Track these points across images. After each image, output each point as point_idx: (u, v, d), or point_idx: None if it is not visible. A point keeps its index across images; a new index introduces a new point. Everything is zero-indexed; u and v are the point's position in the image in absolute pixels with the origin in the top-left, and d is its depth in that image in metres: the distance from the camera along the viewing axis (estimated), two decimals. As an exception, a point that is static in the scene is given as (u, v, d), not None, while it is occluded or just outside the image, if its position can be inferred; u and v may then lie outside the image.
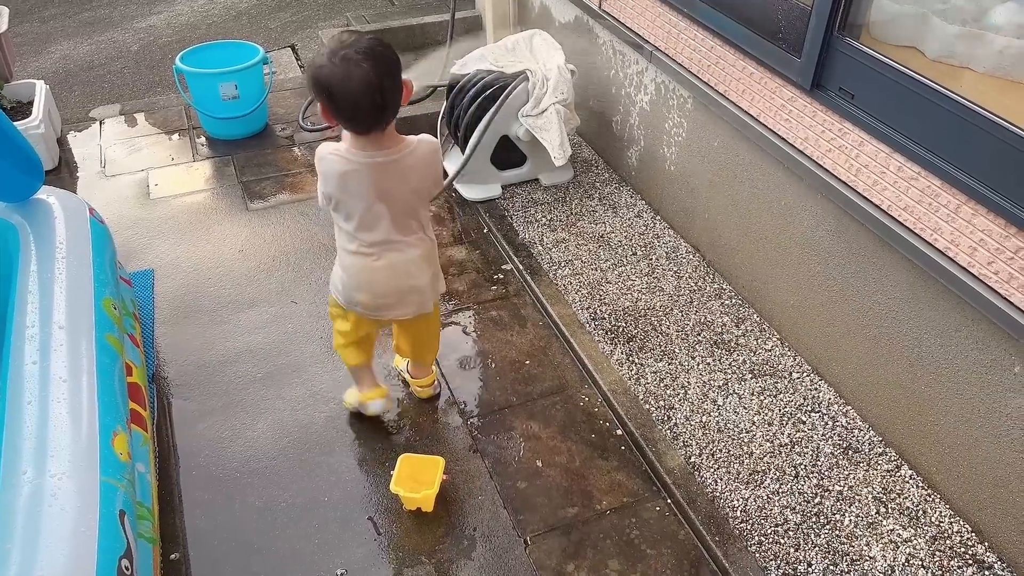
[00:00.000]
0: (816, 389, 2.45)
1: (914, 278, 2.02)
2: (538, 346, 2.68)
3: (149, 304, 2.83)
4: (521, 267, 2.95)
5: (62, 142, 3.77)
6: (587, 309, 2.75)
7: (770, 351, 2.57)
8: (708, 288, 2.82)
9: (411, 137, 1.99)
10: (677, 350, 2.58)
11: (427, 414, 2.43)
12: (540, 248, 3.04)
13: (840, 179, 2.15)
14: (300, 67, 4.68)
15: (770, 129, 2.37)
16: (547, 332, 2.73)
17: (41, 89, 3.65)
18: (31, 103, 3.63)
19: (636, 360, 2.55)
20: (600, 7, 3.16)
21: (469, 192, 3.33)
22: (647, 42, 2.90)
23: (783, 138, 2.33)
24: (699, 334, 2.64)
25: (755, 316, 2.70)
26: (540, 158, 3.30)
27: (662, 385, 2.47)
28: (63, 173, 3.56)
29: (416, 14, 4.95)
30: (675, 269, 2.91)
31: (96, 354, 2.02)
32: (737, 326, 2.67)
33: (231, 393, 2.49)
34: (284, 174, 3.54)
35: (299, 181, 3.50)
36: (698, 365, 2.53)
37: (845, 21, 2.03)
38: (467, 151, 3.21)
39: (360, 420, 2.40)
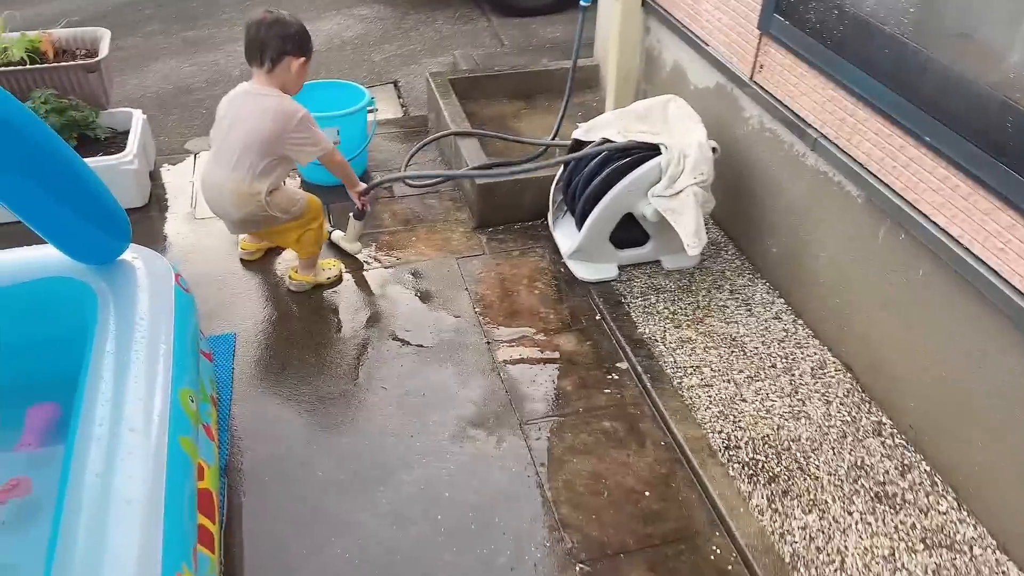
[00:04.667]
0: (1004, 573, 2.00)
1: None
2: (659, 473, 2.30)
3: (227, 375, 2.57)
4: (640, 369, 2.59)
5: (155, 175, 3.59)
6: (720, 433, 2.37)
7: (945, 515, 2.14)
8: (864, 420, 2.40)
9: (282, 95, 2.59)
10: (830, 500, 2.17)
11: (530, 551, 2.08)
12: (662, 347, 2.67)
13: (1078, 336, 1.72)
14: (402, 107, 4.44)
15: (975, 256, 1.96)
16: (670, 456, 2.35)
17: (138, 120, 3.48)
18: (127, 133, 3.47)
19: (780, 508, 2.16)
20: (751, 78, 2.79)
21: (582, 271, 2.99)
22: (810, 126, 2.52)
23: (993, 270, 1.91)
24: (856, 481, 2.23)
25: (924, 465, 2.27)
26: (664, 238, 2.94)
27: (813, 547, 2.06)
28: (152, 211, 3.37)
29: (526, 57, 4.67)
30: (823, 391, 2.50)
31: (167, 466, 1.75)
32: (902, 476, 2.24)
33: (309, 498, 2.20)
34: (380, 231, 3.27)
35: (397, 241, 3.22)
36: (856, 524, 2.11)
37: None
38: (583, 230, 2.88)
39: (452, 545, 2.07)
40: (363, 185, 2.92)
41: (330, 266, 2.98)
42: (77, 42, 3.58)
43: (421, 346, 2.71)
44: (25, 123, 1.82)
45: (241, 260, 3.06)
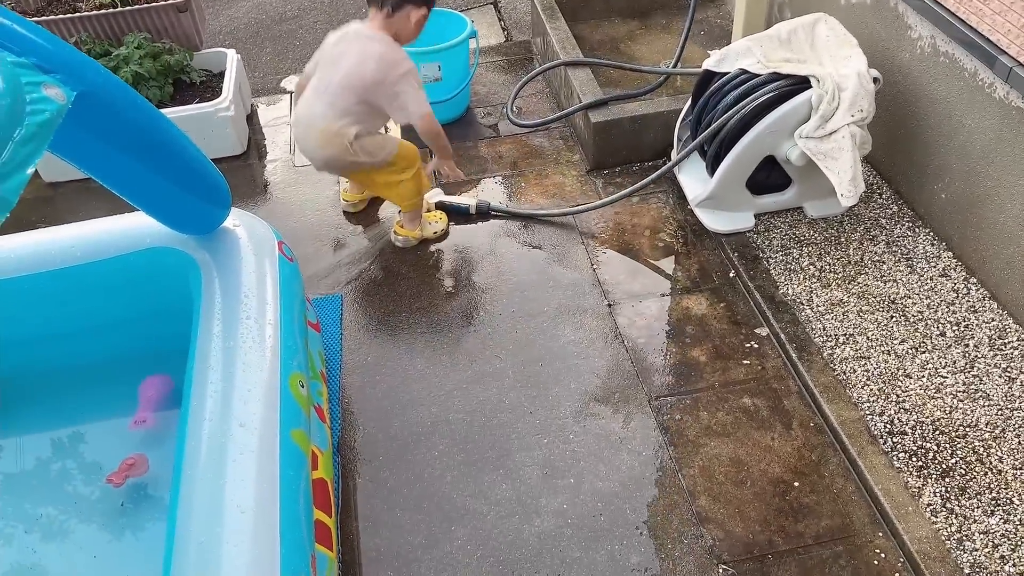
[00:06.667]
0: None
1: None
2: (809, 460, 2.05)
3: (336, 343, 2.44)
4: (783, 336, 2.31)
5: (251, 118, 3.45)
6: (881, 415, 2.08)
7: None
8: (1057, 403, 2.06)
9: (393, 43, 2.43)
10: (1016, 499, 1.88)
11: (667, 549, 1.89)
12: (808, 311, 2.36)
13: None
14: (504, 31, 4.11)
15: None
16: (821, 440, 2.09)
17: (232, 61, 3.31)
18: (221, 75, 3.31)
19: (956, 508, 1.88)
20: (924, -9, 2.34)
21: (713, 221, 2.67)
22: (1003, 52, 2.08)
23: None
24: (1047, 477, 1.92)
25: None
26: (809, 183, 2.59)
27: (997, 556, 1.79)
28: (252, 159, 3.24)
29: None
30: (1004, 365, 2.16)
31: (280, 465, 1.63)
32: (1106, 473, 1.91)
33: (425, 481, 2.07)
34: (489, 176, 3.03)
35: (505, 187, 2.98)
36: (1050, 530, 1.82)
37: None
38: (716, 176, 2.55)
39: (580, 539, 1.91)
40: (458, 172, 2.68)
41: (436, 219, 2.79)
42: (167, -21, 3.40)
43: (536, 309, 2.50)
44: (115, 94, 1.65)
45: (344, 212, 2.90)
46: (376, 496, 2.05)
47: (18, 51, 1.44)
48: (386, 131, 2.57)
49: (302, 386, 1.86)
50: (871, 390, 2.14)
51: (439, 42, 3.09)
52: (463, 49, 3.19)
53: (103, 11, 3.16)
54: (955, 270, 2.42)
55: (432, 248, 2.74)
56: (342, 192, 2.92)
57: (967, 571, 1.77)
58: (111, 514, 1.99)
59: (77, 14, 3.16)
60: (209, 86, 3.29)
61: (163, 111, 2.99)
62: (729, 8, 3.68)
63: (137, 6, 3.19)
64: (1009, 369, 2.15)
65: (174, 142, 1.84)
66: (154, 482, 2.04)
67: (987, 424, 2.03)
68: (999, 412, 2.05)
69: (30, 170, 1.30)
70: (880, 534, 1.89)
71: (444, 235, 2.78)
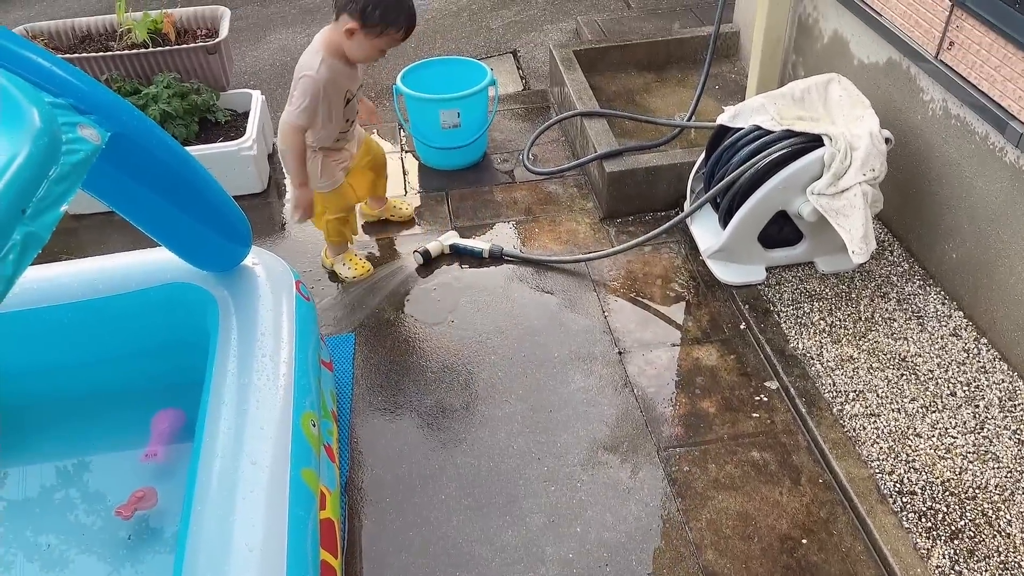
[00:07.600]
0: None
1: None
2: (817, 517, 2.04)
3: (348, 382, 2.46)
4: (792, 391, 2.31)
5: (272, 156, 3.51)
6: (891, 474, 2.07)
7: None
8: (1067, 468, 2.05)
9: (319, 51, 2.37)
10: (1026, 565, 1.86)
11: (672, 603, 1.88)
12: (818, 366, 2.37)
13: None
14: (522, 79, 4.20)
15: None
16: (830, 497, 2.08)
17: (256, 102, 3.40)
18: (246, 114, 3.40)
19: (965, 571, 1.86)
20: (936, 56, 2.39)
21: (724, 272, 2.70)
22: (1014, 118, 2.12)
23: None
24: (1058, 543, 1.90)
25: None
26: (820, 238, 2.62)
27: (1007, 622, 1.77)
28: (271, 196, 3.30)
29: (655, 22, 4.31)
30: (1014, 427, 2.15)
31: (290, 504, 1.64)
32: (1119, 540, 1.89)
33: (431, 524, 2.07)
34: (503, 221, 3.08)
35: (519, 233, 3.02)
36: (1061, 598, 1.80)
37: None
38: (728, 229, 2.58)
39: (585, 594, 1.90)
40: (306, 191, 2.53)
41: (355, 266, 2.82)
42: (197, 21, 3.51)
43: (546, 354, 2.52)
44: (147, 136, 1.71)
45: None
46: (382, 538, 2.05)
47: (56, 92, 1.50)
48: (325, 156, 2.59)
49: (314, 425, 1.87)
50: (881, 448, 2.13)
51: (460, 90, 3.16)
52: (482, 97, 3.26)
53: (135, 51, 3.26)
54: (966, 330, 2.43)
55: (445, 291, 2.77)
56: (360, 206, 3.00)
57: (976, 637, 1.75)
58: (116, 546, 2.00)
59: (109, 53, 3.26)
60: (233, 125, 3.37)
61: (188, 148, 3.08)
62: (744, 64, 3.75)
63: (168, 47, 3.29)
64: (1019, 431, 2.14)
65: (200, 181, 1.89)
66: (160, 516, 2.05)
67: (996, 486, 2.02)
68: (1008, 475, 2.04)
69: (63, 208, 1.34)
70: (888, 596, 1.87)
71: (358, 280, 2.81)
